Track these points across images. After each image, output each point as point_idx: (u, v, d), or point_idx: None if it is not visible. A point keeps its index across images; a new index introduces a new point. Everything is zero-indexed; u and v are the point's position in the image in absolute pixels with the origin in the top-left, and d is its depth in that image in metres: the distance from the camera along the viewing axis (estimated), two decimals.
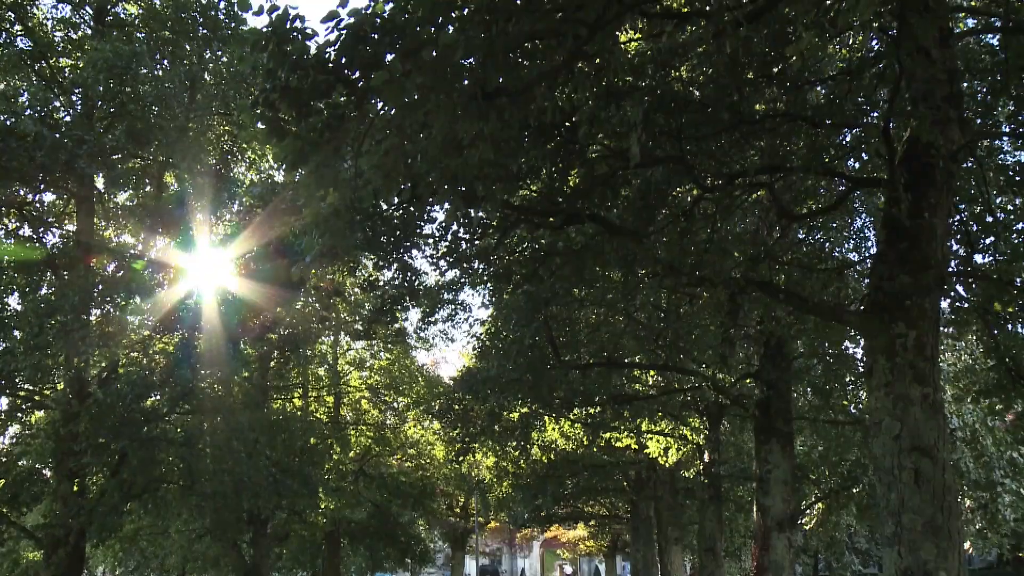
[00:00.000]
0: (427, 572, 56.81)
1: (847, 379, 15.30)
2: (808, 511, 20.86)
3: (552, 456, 27.72)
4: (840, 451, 19.65)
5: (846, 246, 14.38)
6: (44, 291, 15.92)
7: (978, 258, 10.75)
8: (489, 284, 12.30)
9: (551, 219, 9.70)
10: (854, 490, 20.01)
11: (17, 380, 15.01)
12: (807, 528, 24.70)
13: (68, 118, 14.84)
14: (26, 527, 15.53)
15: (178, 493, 16.18)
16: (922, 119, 7.56)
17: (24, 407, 16.60)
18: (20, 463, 15.76)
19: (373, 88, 5.78)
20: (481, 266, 10.99)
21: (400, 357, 28.34)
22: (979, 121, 9.58)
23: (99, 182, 16.10)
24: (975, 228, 10.53)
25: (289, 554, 30.59)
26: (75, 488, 14.50)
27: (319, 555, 28.99)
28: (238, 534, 20.33)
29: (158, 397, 15.37)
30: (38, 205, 17.02)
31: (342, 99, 6.09)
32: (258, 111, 5.95)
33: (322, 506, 22.01)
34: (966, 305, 11.06)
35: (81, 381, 14.66)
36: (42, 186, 15.22)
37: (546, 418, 20.01)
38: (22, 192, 15.85)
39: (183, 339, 15.30)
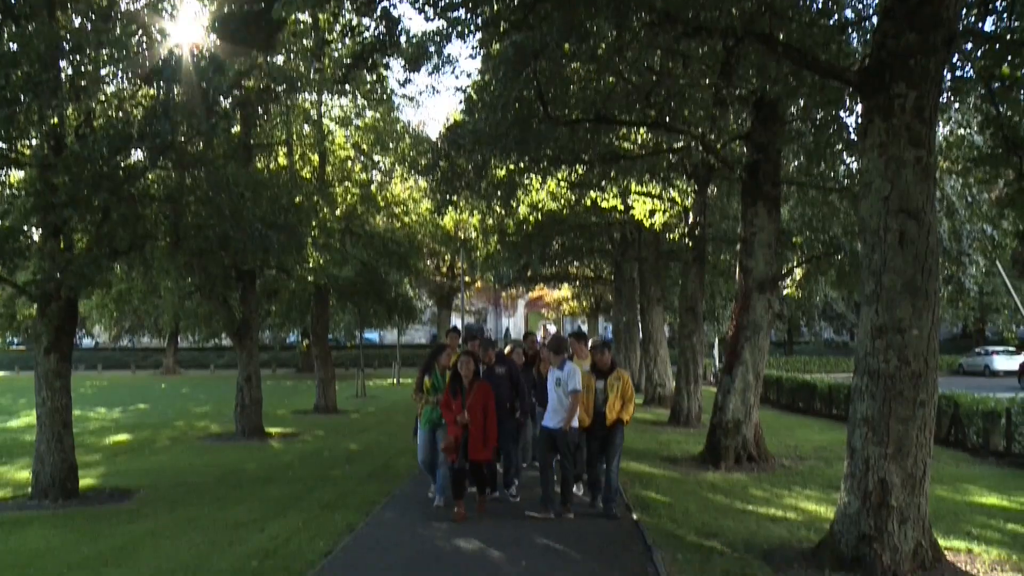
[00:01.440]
0: (413, 329, 58.93)
1: (838, 146, 15.03)
2: (789, 276, 21.20)
3: (539, 216, 27.92)
4: (825, 218, 19.74)
5: (851, 6, 13.66)
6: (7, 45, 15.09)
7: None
8: (476, 34, 11.75)
9: None
10: (836, 257, 20.25)
11: None
12: (786, 293, 25.33)
13: None
14: (17, 284, 15.63)
15: (165, 250, 16.18)
16: None
17: (1, 167, 16.25)
18: (3, 223, 15.63)
19: None
20: (468, 15, 10.44)
21: (385, 115, 27.78)
22: None
23: None
24: None
25: (279, 310, 31.40)
26: (61, 245, 14.45)
27: (308, 311, 29.72)
28: (227, 290, 20.60)
29: (138, 154, 15.01)
30: None
31: None
32: None
33: (310, 263, 22.23)
34: (969, 71, 10.71)
35: (57, 136, 14.25)
36: None
37: (533, 176, 19.85)
38: None
39: (159, 92, 14.74)
